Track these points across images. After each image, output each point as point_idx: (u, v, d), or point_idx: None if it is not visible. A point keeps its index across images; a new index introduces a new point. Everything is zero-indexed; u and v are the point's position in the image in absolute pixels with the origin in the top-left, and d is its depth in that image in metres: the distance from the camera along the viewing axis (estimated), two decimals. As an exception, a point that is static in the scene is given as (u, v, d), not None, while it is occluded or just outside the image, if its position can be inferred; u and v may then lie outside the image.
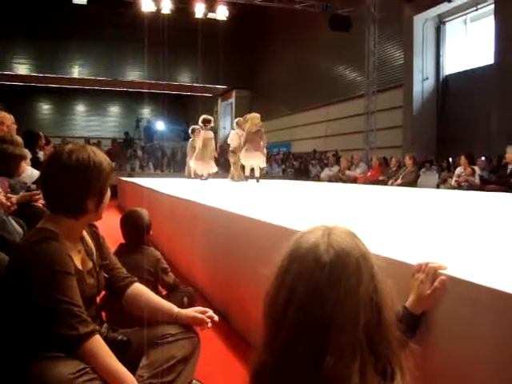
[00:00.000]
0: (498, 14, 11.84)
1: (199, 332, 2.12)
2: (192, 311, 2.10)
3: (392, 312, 1.02)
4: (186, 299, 3.10)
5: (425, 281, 1.36)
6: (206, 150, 10.85)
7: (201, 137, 11.00)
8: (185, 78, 25.08)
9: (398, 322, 1.21)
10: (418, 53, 14.45)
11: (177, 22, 18.99)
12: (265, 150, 10.37)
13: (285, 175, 17.20)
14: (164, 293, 3.12)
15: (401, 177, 11.41)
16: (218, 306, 3.47)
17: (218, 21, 18.74)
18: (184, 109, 28.05)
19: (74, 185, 1.80)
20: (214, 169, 11.17)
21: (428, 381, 1.35)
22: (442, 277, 1.34)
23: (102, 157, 1.87)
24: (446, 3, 13.52)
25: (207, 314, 2.08)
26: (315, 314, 0.94)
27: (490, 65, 12.16)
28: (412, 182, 11.00)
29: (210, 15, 18.41)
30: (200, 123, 11.05)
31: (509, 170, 9.20)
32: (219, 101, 28.11)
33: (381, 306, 0.98)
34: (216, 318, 2.08)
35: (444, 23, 14.54)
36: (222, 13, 18.30)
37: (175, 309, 2.09)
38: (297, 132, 20.98)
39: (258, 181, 10.27)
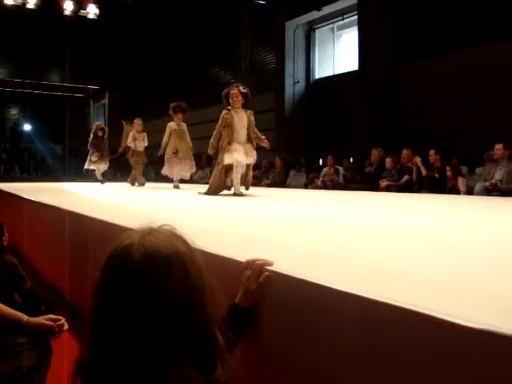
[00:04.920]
0: (360, 24, 12.65)
1: (53, 340, 2.08)
2: (42, 319, 2.06)
3: (213, 307, 1.06)
4: (43, 307, 3.01)
5: (251, 277, 1.44)
6: None
7: None
8: (54, 78, 23.98)
9: (228, 316, 1.29)
10: (289, 57, 14.96)
11: (45, 18, 18.14)
12: None
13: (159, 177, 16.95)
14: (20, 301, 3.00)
15: (270, 177, 11.76)
16: (83, 313, 3.39)
17: (88, 19, 18.18)
18: (55, 109, 26.74)
19: None
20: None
21: (258, 371, 1.45)
22: (266, 272, 1.44)
23: None
24: (315, 11, 14.18)
25: (58, 323, 2.05)
26: (126, 311, 0.98)
27: (355, 71, 12.93)
28: (281, 183, 11.38)
29: (81, 12, 17.82)
30: None
31: (372, 170, 9.82)
32: (91, 102, 27.20)
33: (196, 301, 1.02)
34: (66, 326, 2.06)
35: (314, 30, 15.17)
36: (92, 11, 17.79)
37: (24, 317, 2.04)
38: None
39: None
